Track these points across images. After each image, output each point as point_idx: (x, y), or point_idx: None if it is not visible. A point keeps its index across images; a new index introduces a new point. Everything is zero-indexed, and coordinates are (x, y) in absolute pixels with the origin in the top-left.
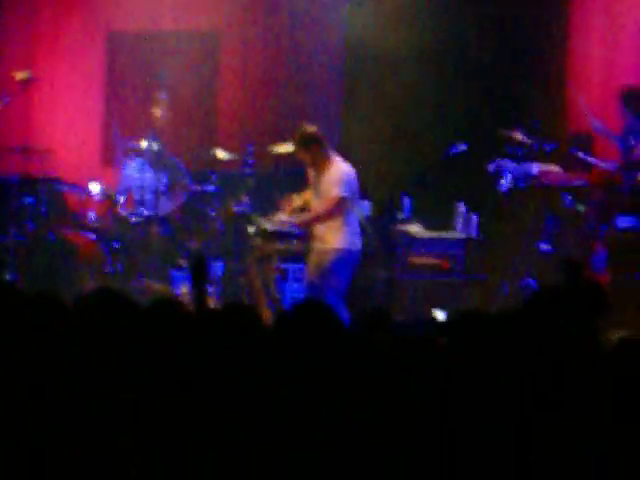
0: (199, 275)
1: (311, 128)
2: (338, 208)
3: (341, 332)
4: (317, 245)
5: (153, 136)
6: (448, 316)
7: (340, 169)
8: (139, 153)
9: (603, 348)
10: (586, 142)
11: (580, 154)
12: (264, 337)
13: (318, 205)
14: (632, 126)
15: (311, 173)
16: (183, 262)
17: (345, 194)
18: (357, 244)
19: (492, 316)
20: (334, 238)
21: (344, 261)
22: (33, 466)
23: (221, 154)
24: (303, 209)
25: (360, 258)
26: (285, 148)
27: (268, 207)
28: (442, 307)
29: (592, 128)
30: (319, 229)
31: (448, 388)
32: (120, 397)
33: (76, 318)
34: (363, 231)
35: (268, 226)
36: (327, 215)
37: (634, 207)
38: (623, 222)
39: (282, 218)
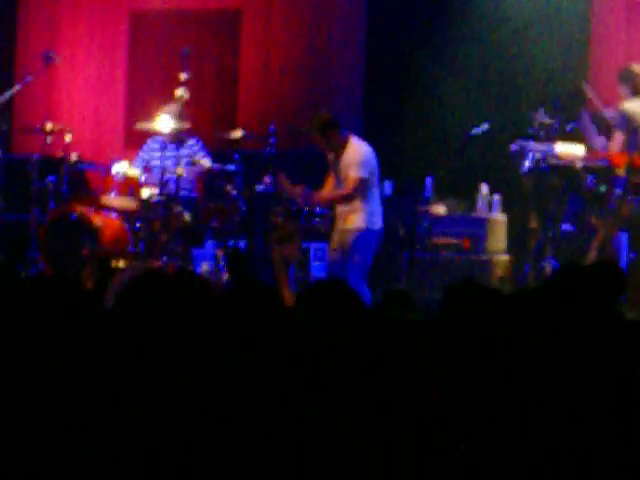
0: (236, 269)
1: (325, 113)
2: (359, 189)
3: (361, 310)
4: (339, 225)
5: (175, 115)
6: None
7: (358, 150)
8: (161, 133)
9: (620, 327)
10: (603, 122)
11: (587, 121)
12: (283, 315)
13: (339, 187)
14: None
15: (330, 156)
16: (220, 254)
17: (365, 175)
18: (378, 223)
19: (510, 295)
20: (355, 218)
21: (366, 240)
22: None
23: (241, 133)
24: None
25: (382, 237)
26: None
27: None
28: None
29: (608, 118)
30: (341, 209)
31: (464, 369)
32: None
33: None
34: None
35: (292, 205)
36: (348, 197)
37: None
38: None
39: (306, 194)
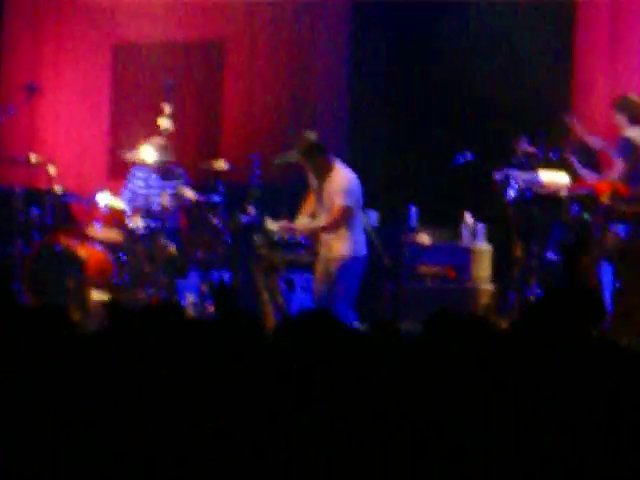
0: (223, 303)
1: (312, 136)
2: (344, 217)
3: (347, 338)
4: (324, 253)
5: (158, 144)
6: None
7: (343, 177)
8: (145, 164)
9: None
10: (590, 152)
11: (574, 160)
12: (266, 344)
13: (323, 215)
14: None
15: (313, 181)
16: (205, 288)
17: (350, 203)
18: (363, 250)
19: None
20: (340, 246)
21: (351, 269)
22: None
23: (225, 165)
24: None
25: (367, 263)
26: (289, 157)
27: (274, 217)
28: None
29: (594, 147)
30: (325, 237)
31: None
32: (127, 407)
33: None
34: (371, 242)
35: (275, 236)
36: (333, 225)
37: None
38: (622, 231)
39: (289, 227)
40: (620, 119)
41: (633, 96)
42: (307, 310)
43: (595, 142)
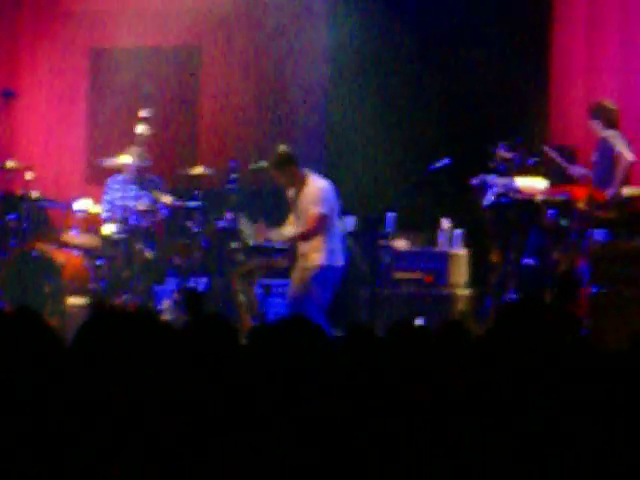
0: (194, 310)
1: (284, 149)
2: (319, 226)
3: (325, 345)
4: (300, 262)
5: (136, 153)
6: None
7: (317, 187)
8: (122, 170)
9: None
10: (570, 154)
11: (552, 152)
12: (241, 351)
13: (299, 225)
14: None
15: (289, 193)
16: (176, 295)
17: (325, 211)
18: (339, 260)
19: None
20: (316, 255)
21: (326, 277)
22: None
23: (202, 171)
24: None
25: (343, 274)
26: (263, 165)
27: (251, 222)
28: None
29: (575, 175)
30: (302, 246)
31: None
32: (104, 413)
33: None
34: (348, 248)
35: (251, 241)
36: (309, 234)
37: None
38: (599, 235)
39: (265, 234)
40: (596, 124)
41: (607, 102)
42: (283, 316)
43: (576, 170)
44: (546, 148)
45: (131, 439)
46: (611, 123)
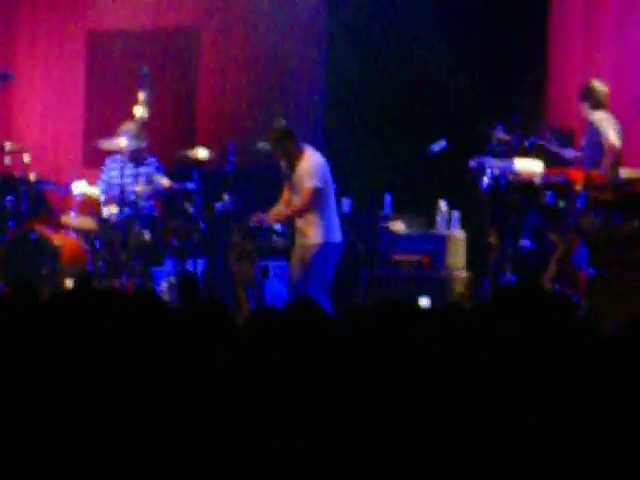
0: (189, 294)
1: (282, 123)
2: (314, 200)
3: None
4: (299, 241)
5: (134, 134)
6: (432, 304)
7: (312, 160)
8: (119, 151)
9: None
10: (566, 138)
11: (545, 136)
12: (239, 336)
13: (295, 199)
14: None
15: (285, 167)
16: (173, 279)
17: (319, 184)
18: (337, 237)
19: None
20: (313, 232)
21: (325, 254)
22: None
23: (201, 152)
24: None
25: (341, 250)
26: (264, 145)
27: (249, 204)
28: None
29: (568, 158)
30: (300, 224)
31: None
32: (100, 394)
33: (53, 314)
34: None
35: (250, 223)
36: (304, 208)
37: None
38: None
39: (262, 217)
40: (584, 106)
41: (596, 83)
42: (286, 299)
43: (568, 153)
44: (540, 131)
45: (126, 427)
46: (600, 104)
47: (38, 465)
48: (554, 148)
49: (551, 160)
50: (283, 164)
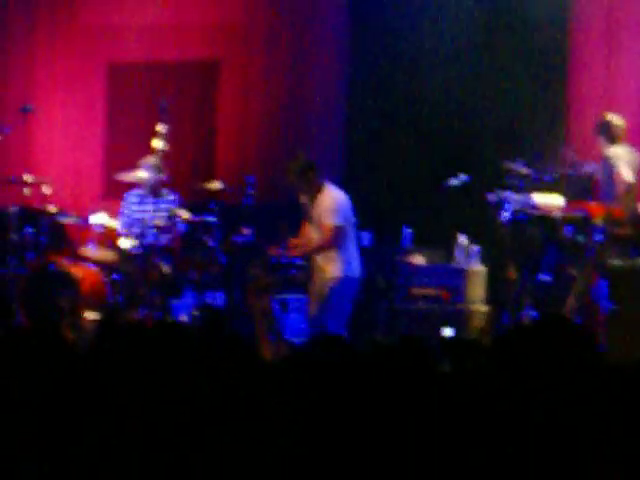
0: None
1: (304, 156)
2: (335, 237)
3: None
4: (318, 275)
5: (154, 167)
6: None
7: (333, 197)
8: (139, 185)
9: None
10: (583, 177)
11: (569, 155)
12: (263, 370)
13: (315, 234)
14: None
15: (305, 200)
16: (195, 312)
17: (340, 222)
18: (356, 271)
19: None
20: (332, 267)
21: (343, 289)
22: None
23: (220, 186)
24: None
25: (360, 285)
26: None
27: (268, 238)
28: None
29: (590, 172)
30: (319, 259)
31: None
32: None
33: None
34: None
35: (270, 257)
36: (325, 245)
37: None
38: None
39: (282, 251)
40: (601, 140)
41: (613, 117)
42: (318, 337)
43: (588, 167)
44: (563, 151)
45: (130, 427)
46: (616, 139)
47: (42, 464)
48: (577, 164)
49: (571, 193)
50: (303, 198)
